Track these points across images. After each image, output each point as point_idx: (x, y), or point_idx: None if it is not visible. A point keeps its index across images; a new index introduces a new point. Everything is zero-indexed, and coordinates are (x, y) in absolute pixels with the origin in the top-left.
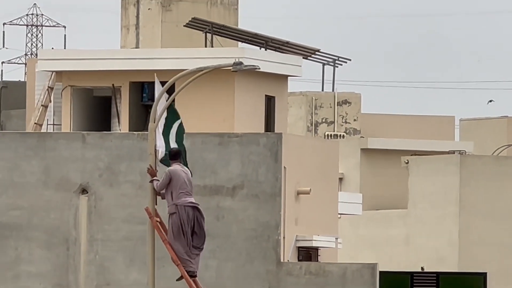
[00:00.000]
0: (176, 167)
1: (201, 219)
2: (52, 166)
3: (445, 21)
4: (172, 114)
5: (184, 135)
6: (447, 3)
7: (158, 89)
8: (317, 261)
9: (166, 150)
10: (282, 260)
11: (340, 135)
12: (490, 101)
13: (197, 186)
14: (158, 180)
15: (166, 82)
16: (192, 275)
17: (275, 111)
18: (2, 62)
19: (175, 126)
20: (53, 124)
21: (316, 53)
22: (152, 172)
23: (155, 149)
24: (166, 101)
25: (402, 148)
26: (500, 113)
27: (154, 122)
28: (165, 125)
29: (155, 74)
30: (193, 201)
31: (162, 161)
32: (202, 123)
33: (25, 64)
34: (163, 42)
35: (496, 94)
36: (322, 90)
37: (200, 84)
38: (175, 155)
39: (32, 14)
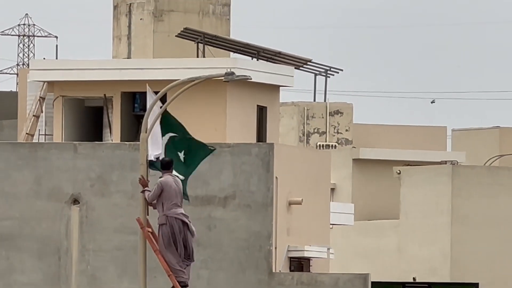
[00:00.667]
0: (168, 178)
1: (189, 235)
2: (44, 176)
3: (437, 32)
4: (170, 123)
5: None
6: (439, 14)
7: (150, 99)
8: (309, 271)
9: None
10: (274, 270)
11: (332, 145)
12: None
13: (189, 196)
14: (149, 191)
15: (158, 92)
16: (184, 285)
17: (267, 121)
18: None
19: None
20: (45, 134)
21: (308, 63)
22: (144, 183)
23: (147, 159)
24: (160, 109)
25: (394, 158)
26: (492, 124)
27: (146, 132)
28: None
29: (147, 84)
30: (184, 212)
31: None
32: (194, 133)
33: (17, 74)
34: (155, 52)
35: (488, 105)
36: (314, 100)
37: (192, 94)
38: (167, 165)
39: (24, 24)
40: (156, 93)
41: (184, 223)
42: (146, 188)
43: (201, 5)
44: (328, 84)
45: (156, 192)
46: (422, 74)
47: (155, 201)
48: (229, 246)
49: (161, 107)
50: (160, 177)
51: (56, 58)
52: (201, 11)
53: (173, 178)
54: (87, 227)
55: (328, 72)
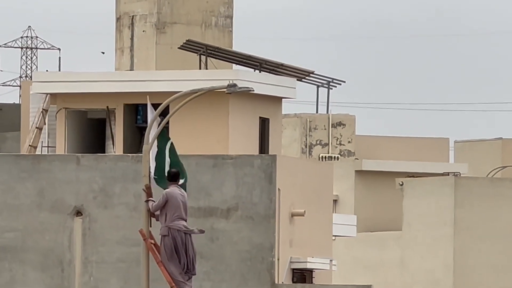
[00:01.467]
0: (174, 189)
1: (191, 247)
2: (47, 188)
3: (440, 43)
4: (162, 138)
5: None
6: (441, 25)
7: (150, 111)
8: (312, 283)
9: (156, 174)
10: (276, 282)
11: (334, 157)
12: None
13: (192, 208)
14: (154, 201)
15: (160, 104)
16: None
17: (269, 133)
18: None
19: (167, 148)
20: (48, 146)
21: (311, 75)
22: (149, 192)
23: (149, 171)
24: (159, 124)
25: (396, 170)
26: (494, 135)
27: (148, 144)
28: (157, 152)
29: (148, 96)
30: (187, 225)
31: (156, 182)
32: (196, 145)
33: (20, 86)
34: (158, 64)
35: (490, 116)
36: (317, 112)
37: (194, 106)
38: (174, 177)
39: (27, 36)
40: (158, 105)
41: (186, 235)
42: (150, 198)
43: (203, 17)
44: (331, 96)
45: (160, 202)
46: (425, 86)
47: (158, 212)
48: (231, 257)
49: (162, 119)
50: (166, 188)
51: (59, 70)
52: (203, 23)
53: (179, 190)
54: (90, 239)
55: (331, 83)
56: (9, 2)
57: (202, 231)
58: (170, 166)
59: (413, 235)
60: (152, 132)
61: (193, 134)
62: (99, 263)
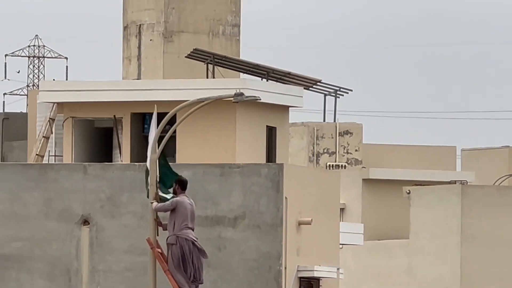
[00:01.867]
0: (184, 198)
1: (199, 256)
2: (54, 197)
3: (447, 51)
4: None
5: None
6: (447, 33)
7: (154, 121)
8: None
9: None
10: None
11: (341, 165)
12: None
13: (199, 217)
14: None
15: (167, 113)
16: None
17: (277, 142)
18: (4, 94)
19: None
20: (55, 156)
21: (318, 83)
22: (156, 199)
23: (156, 180)
24: (166, 133)
25: (403, 178)
26: (501, 143)
27: (155, 153)
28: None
29: (155, 105)
30: (194, 236)
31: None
32: (204, 154)
33: (27, 95)
34: (165, 73)
35: (497, 124)
36: (324, 120)
37: (202, 115)
38: (184, 186)
39: (34, 45)
40: (165, 113)
41: (194, 244)
42: (155, 201)
43: (210, 26)
44: (338, 104)
45: (167, 206)
46: (432, 94)
47: (165, 223)
48: (238, 266)
49: (169, 128)
50: (174, 196)
51: (66, 79)
52: (210, 32)
53: (188, 199)
54: (97, 248)
55: (338, 92)
56: (16, 11)
57: (206, 257)
58: (164, 175)
59: (420, 243)
60: (155, 141)
61: (200, 143)
62: (106, 272)
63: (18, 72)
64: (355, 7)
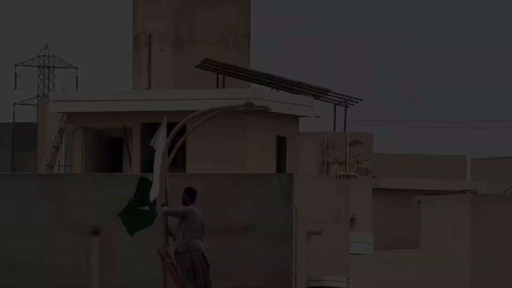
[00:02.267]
0: (195, 208)
1: (207, 265)
2: (64, 207)
3: (456, 59)
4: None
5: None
6: (454, 40)
7: (163, 131)
8: None
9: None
10: None
11: (351, 175)
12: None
13: (209, 227)
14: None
15: (177, 123)
16: None
17: (287, 152)
18: (14, 104)
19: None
20: (65, 166)
21: (328, 93)
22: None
23: (166, 190)
24: (176, 142)
25: (413, 188)
26: None
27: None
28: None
29: (165, 115)
30: (204, 247)
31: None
32: (214, 163)
33: (37, 105)
34: (175, 83)
35: (508, 134)
36: (334, 130)
37: (212, 125)
38: (193, 196)
39: (44, 55)
40: (175, 124)
41: (203, 256)
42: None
43: (221, 36)
44: (348, 114)
45: (176, 211)
46: (442, 103)
47: (174, 233)
48: (249, 276)
49: (179, 139)
50: (186, 205)
51: (76, 89)
52: (221, 42)
53: (199, 210)
54: (107, 259)
55: (348, 102)
56: (27, 21)
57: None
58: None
59: (430, 253)
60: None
61: (210, 153)
62: (116, 282)
63: (19, 76)
64: (364, 16)
